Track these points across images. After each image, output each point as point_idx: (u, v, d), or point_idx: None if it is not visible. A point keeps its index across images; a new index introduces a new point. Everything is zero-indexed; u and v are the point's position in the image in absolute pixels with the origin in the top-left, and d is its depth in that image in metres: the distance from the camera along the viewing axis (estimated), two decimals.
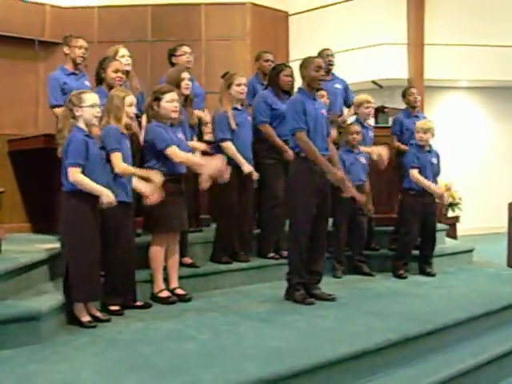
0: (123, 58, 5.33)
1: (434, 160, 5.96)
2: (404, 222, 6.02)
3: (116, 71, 4.93)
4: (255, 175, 5.42)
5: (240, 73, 5.43)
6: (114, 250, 4.29)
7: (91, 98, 4.03)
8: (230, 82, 5.34)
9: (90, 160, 3.95)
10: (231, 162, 5.24)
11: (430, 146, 5.94)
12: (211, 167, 4.71)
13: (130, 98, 4.42)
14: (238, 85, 5.32)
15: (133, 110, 4.44)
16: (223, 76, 5.50)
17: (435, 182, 5.99)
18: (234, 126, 5.25)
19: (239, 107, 5.39)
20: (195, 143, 5.18)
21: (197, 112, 5.47)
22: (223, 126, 5.27)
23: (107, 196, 3.95)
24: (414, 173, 5.83)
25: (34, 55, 8.03)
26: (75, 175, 3.88)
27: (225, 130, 5.26)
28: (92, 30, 8.97)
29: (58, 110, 5.20)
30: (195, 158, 4.79)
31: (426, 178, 5.85)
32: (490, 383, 4.15)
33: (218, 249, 5.45)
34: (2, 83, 6.69)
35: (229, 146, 5.27)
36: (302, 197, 4.69)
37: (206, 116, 5.80)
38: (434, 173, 5.95)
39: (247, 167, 5.29)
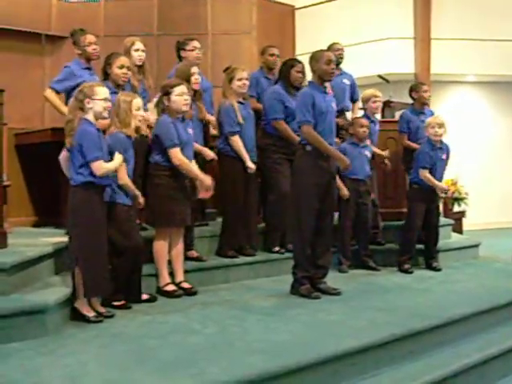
0: (137, 52, 5.32)
1: (444, 156, 5.93)
2: (407, 216, 6.01)
3: (121, 67, 4.89)
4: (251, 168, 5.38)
5: (241, 67, 5.44)
6: (121, 251, 4.29)
7: (104, 91, 4.03)
8: (231, 76, 5.36)
9: None
10: (238, 156, 5.29)
11: (441, 141, 5.92)
12: (205, 184, 4.70)
13: (137, 102, 4.41)
14: (240, 79, 5.33)
15: (141, 113, 4.43)
16: (225, 70, 5.52)
17: (442, 176, 6.00)
18: (240, 119, 5.28)
19: (242, 101, 5.41)
20: (206, 150, 5.19)
21: (208, 116, 5.47)
22: (230, 119, 5.28)
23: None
24: (425, 173, 5.80)
25: (41, 49, 8.03)
26: (101, 169, 3.90)
27: (232, 123, 5.28)
28: (98, 23, 8.95)
29: (50, 94, 5.38)
30: (194, 169, 4.72)
31: (435, 176, 5.84)
32: (496, 378, 4.14)
33: (223, 243, 5.46)
34: (9, 77, 6.68)
35: (237, 140, 5.28)
36: (306, 191, 4.69)
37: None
38: (442, 168, 5.94)
39: (250, 165, 5.30)
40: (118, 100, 4.38)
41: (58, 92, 5.44)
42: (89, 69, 5.50)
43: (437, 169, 5.88)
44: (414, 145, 6.21)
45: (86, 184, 3.93)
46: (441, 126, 5.84)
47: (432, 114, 6.40)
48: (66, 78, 5.41)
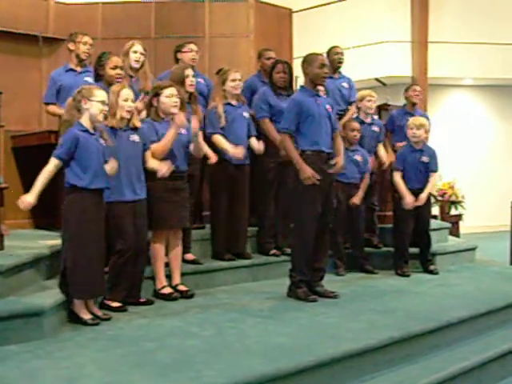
0: (135, 53, 5.29)
1: (425, 159, 5.84)
2: (398, 220, 6.00)
3: (114, 68, 4.87)
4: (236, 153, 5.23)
5: (234, 69, 5.43)
6: (115, 250, 4.30)
7: (102, 94, 4.02)
8: (224, 77, 5.37)
9: (85, 156, 3.91)
10: (222, 158, 5.28)
11: (423, 143, 5.88)
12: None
13: (126, 92, 4.36)
14: (233, 80, 5.34)
15: (129, 104, 4.36)
16: (217, 72, 5.52)
17: (426, 180, 5.83)
18: (223, 122, 5.28)
19: (234, 103, 5.40)
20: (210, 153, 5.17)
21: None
22: (213, 121, 5.31)
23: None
24: (396, 177, 5.84)
25: (38, 51, 8.01)
26: (49, 165, 3.93)
27: (215, 124, 5.30)
28: (96, 26, 8.93)
29: (49, 108, 5.61)
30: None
31: (410, 178, 5.82)
32: (494, 381, 4.15)
33: (214, 247, 5.48)
34: (6, 79, 6.66)
35: (217, 138, 5.29)
36: (308, 195, 4.67)
37: None
38: (425, 171, 5.84)
39: (231, 150, 5.19)
40: (110, 91, 4.37)
41: (48, 104, 5.62)
42: (73, 70, 5.53)
43: (414, 173, 5.83)
44: (400, 144, 6.21)
45: (73, 185, 3.93)
46: (419, 127, 5.81)
47: (422, 115, 6.38)
48: (50, 86, 5.61)
